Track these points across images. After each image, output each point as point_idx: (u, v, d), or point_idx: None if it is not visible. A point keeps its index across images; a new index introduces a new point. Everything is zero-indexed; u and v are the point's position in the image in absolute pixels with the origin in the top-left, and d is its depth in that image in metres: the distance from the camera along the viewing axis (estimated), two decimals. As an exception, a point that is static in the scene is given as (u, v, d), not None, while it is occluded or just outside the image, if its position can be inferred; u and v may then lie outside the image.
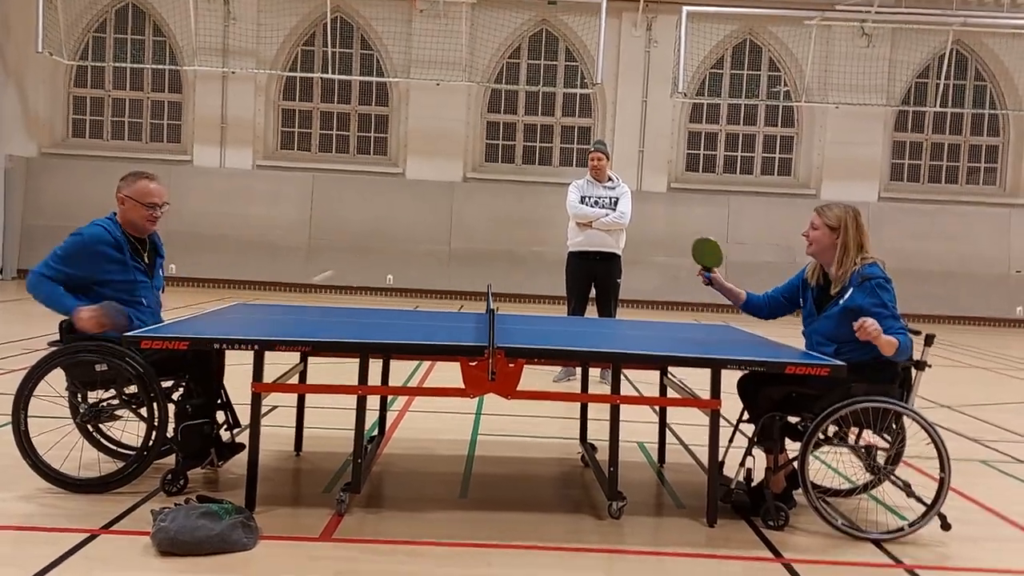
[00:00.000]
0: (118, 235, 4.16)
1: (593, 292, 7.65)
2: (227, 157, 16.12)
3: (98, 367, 3.94)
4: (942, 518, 3.80)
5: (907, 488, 3.89)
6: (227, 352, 3.94)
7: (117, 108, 16.48)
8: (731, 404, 4.28)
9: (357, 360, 3.86)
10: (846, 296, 3.94)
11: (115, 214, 4.24)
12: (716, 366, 3.85)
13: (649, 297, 15.40)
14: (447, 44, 15.61)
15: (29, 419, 3.92)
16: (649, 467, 4.95)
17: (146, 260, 4.26)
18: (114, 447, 4.35)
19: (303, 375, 4.64)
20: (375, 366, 4.10)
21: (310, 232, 15.86)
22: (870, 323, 3.71)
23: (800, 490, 3.91)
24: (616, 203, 7.43)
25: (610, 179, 7.57)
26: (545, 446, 5.38)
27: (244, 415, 4.04)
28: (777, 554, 3.63)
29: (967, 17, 15.25)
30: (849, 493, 4.27)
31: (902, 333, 3.83)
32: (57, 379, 4.00)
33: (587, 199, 7.46)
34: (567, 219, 7.59)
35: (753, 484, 4.11)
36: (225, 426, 4.33)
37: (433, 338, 4.29)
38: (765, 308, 4.44)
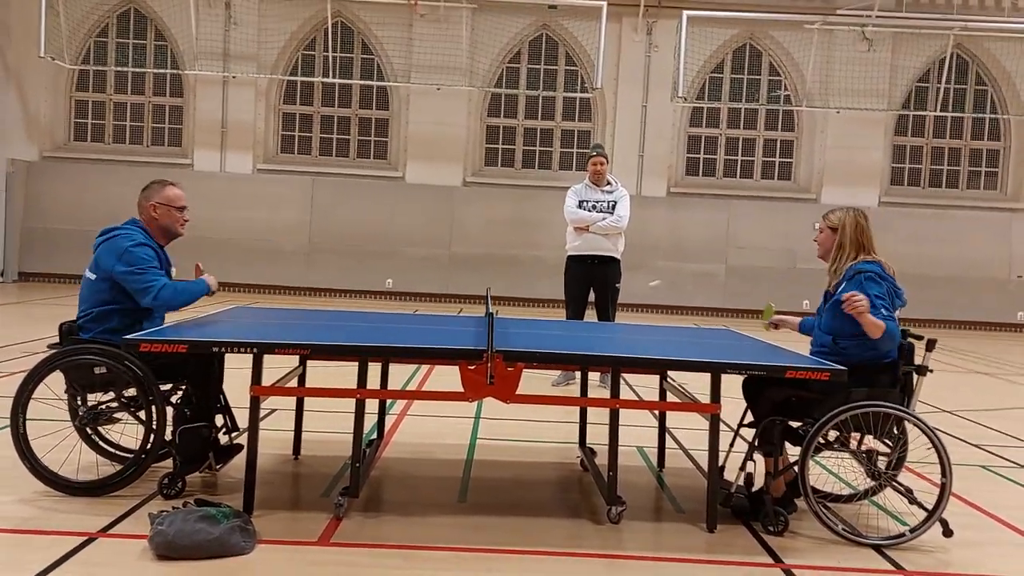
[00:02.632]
0: (153, 244, 4.24)
1: (592, 296, 7.65)
2: (227, 161, 16.12)
3: (97, 370, 3.94)
4: (944, 524, 3.79)
5: (908, 493, 3.88)
6: (226, 355, 3.93)
7: (118, 112, 16.48)
8: (731, 408, 4.27)
9: (356, 364, 3.86)
10: (839, 290, 4.02)
11: (134, 222, 4.25)
12: (716, 370, 3.84)
13: (649, 301, 15.41)
14: (448, 48, 15.62)
15: (28, 422, 3.91)
16: (648, 472, 4.94)
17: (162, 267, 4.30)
18: (112, 450, 4.34)
19: (302, 379, 4.63)
20: (374, 369, 4.09)
21: (310, 236, 15.86)
22: (859, 297, 3.80)
23: (801, 496, 3.90)
24: (614, 207, 7.43)
25: (609, 183, 7.56)
26: (544, 450, 5.37)
27: (242, 418, 4.03)
28: (777, 560, 3.62)
29: (967, 21, 15.25)
30: (850, 498, 4.27)
31: (890, 320, 3.87)
32: (56, 382, 3.99)
33: (585, 203, 7.45)
34: (566, 223, 7.58)
35: (753, 489, 4.10)
36: (223, 429, 4.33)
37: (432, 342, 4.28)
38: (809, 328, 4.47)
